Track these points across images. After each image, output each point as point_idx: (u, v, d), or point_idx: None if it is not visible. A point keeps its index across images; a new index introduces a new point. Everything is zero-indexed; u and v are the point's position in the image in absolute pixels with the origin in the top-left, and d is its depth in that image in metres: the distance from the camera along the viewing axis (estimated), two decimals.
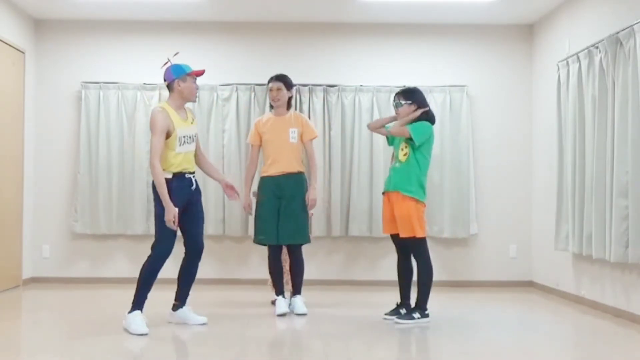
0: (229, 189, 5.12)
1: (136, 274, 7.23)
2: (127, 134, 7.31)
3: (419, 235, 5.11)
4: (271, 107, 5.75)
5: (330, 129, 7.33)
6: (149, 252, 7.24)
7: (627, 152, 5.19)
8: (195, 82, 4.90)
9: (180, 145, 4.76)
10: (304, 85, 7.33)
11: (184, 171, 4.81)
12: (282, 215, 5.39)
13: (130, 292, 6.69)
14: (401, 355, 4.38)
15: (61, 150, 7.41)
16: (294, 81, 7.26)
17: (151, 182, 4.85)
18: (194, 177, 4.91)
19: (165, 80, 4.89)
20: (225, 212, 7.23)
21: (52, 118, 7.42)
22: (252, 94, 7.31)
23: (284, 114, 5.58)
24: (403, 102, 5.21)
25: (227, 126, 7.30)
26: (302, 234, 5.46)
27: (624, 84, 5.27)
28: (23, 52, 7.07)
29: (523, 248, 7.42)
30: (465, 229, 7.28)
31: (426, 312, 5.17)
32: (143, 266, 4.85)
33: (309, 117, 7.27)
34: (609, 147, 5.47)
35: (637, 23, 5.10)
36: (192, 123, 4.93)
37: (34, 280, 7.31)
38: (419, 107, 5.19)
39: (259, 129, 5.58)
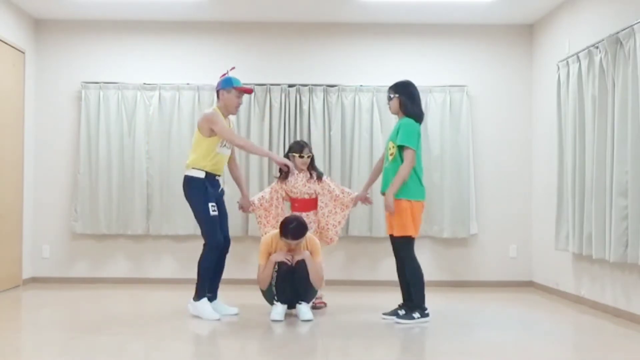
0: (243, 203, 5.78)
1: (136, 274, 7.37)
2: (127, 134, 7.31)
3: (408, 233, 5.07)
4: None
5: (330, 129, 7.34)
6: (148, 252, 7.38)
7: (627, 152, 5.19)
8: (239, 97, 5.37)
9: (221, 146, 5.28)
10: (304, 85, 7.33)
11: (214, 173, 5.30)
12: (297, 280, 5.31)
13: (130, 292, 6.75)
14: (401, 355, 4.38)
15: (61, 150, 7.41)
16: (294, 81, 7.37)
17: (181, 179, 5.34)
18: (220, 180, 5.48)
19: (215, 88, 5.44)
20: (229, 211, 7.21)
21: (52, 118, 7.42)
22: (252, 93, 7.31)
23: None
24: (392, 95, 5.24)
25: None
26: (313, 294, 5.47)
27: (624, 84, 5.27)
28: (23, 52, 7.07)
29: (523, 248, 7.42)
30: (465, 229, 7.28)
31: (426, 312, 5.16)
32: (200, 260, 5.27)
33: (309, 117, 7.28)
34: (609, 147, 5.47)
35: (637, 23, 5.11)
36: None
37: (34, 280, 7.31)
38: (404, 101, 5.17)
39: (270, 251, 5.39)
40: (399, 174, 5.06)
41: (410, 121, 5.14)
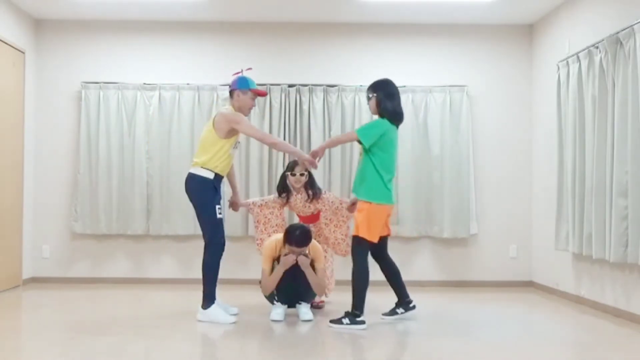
0: (234, 201, 5.71)
1: (136, 274, 7.36)
2: (127, 134, 7.31)
3: (360, 234, 4.93)
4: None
5: (330, 129, 7.33)
6: (148, 252, 7.36)
7: (627, 152, 5.19)
8: (253, 99, 5.23)
9: (234, 147, 5.18)
10: (304, 85, 7.33)
11: (222, 174, 5.17)
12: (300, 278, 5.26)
13: (130, 292, 6.75)
14: (401, 355, 4.38)
15: (61, 150, 7.41)
16: (294, 81, 7.37)
17: (182, 179, 5.25)
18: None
19: (230, 86, 5.26)
20: (225, 212, 7.22)
21: (52, 118, 7.42)
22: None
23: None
24: (370, 95, 5.12)
25: None
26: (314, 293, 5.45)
27: (624, 84, 5.27)
28: (23, 52, 7.07)
29: (523, 248, 7.42)
30: (465, 229, 7.28)
31: (358, 319, 4.95)
32: (205, 262, 5.10)
33: (309, 117, 7.28)
34: (609, 147, 5.47)
35: (637, 23, 5.11)
36: None
37: (34, 280, 7.31)
38: (382, 100, 5.04)
39: (274, 256, 5.32)
40: (337, 138, 5.57)
41: (382, 121, 5.00)
